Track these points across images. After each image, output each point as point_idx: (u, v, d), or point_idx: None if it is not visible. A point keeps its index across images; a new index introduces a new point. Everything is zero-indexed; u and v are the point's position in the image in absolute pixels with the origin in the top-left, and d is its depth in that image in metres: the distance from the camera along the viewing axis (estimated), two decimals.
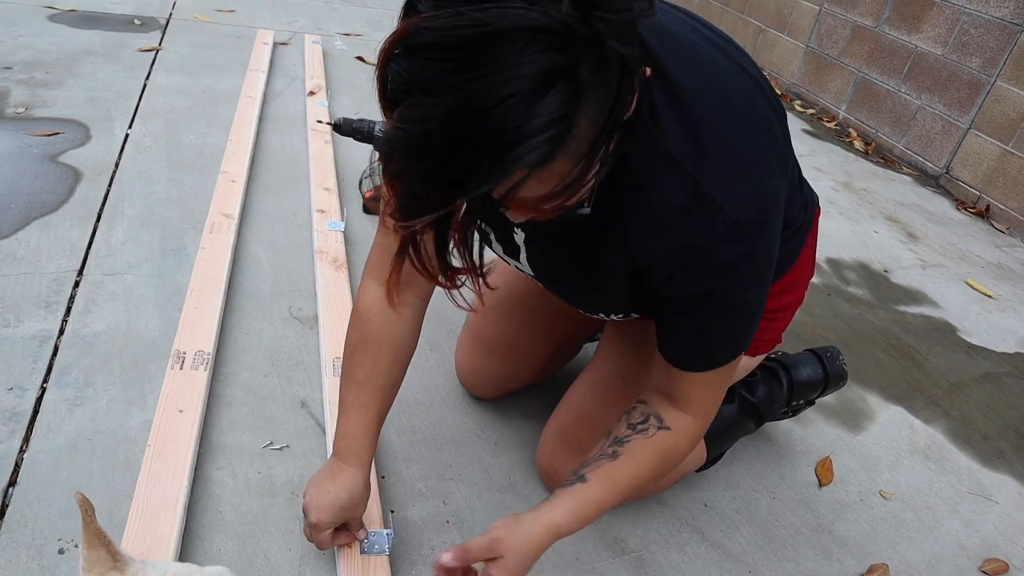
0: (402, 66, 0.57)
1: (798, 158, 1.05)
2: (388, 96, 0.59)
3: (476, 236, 0.72)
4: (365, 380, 1.04)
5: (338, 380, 1.34)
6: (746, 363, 1.17)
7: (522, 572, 0.87)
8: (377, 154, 0.67)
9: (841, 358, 1.45)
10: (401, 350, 1.07)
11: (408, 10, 0.59)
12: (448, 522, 1.22)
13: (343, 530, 1.07)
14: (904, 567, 1.34)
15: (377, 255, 1.06)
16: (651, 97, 0.77)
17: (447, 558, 0.83)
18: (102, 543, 0.60)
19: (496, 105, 0.55)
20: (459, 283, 0.75)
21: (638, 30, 0.63)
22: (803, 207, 1.09)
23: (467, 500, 1.26)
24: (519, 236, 0.99)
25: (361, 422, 1.04)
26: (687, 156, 0.78)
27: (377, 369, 1.04)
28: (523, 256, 1.02)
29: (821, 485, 1.51)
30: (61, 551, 1.02)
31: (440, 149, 0.57)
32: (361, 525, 1.08)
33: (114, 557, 0.60)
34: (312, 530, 1.03)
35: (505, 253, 1.05)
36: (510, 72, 0.54)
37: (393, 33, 0.58)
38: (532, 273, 1.05)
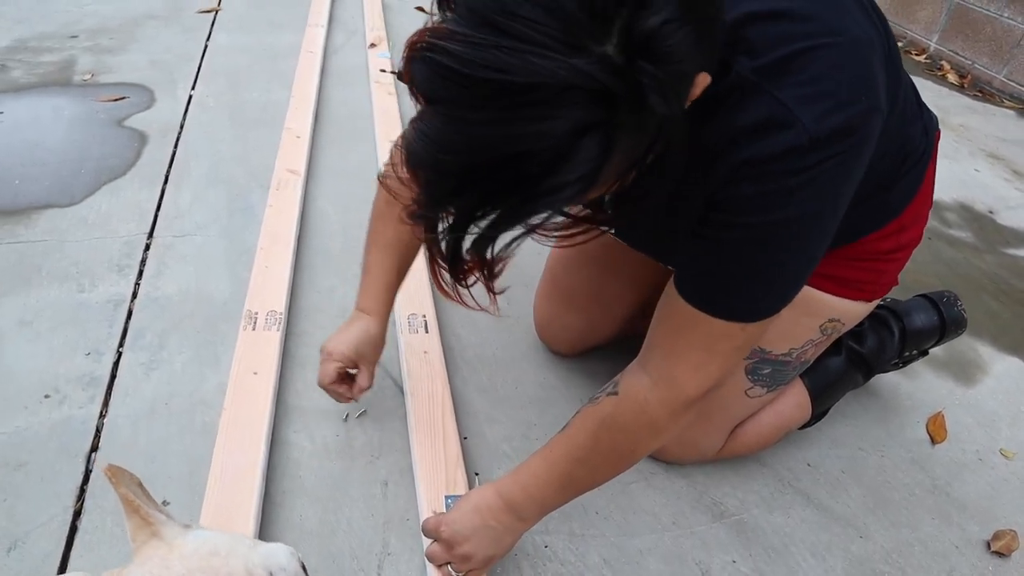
0: (423, 73, 0.52)
1: None
2: (410, 83, 0.55)
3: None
4: (387, 243, 1.07)
5: (414, 337, 1.30)
6: (859, 310, 1.05)
7: (461, 523, 0.90)
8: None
9: (960, 304, 1.32)
10: None
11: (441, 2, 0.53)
12: None
13: (348, 381, 1.08)
14: None
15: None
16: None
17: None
18: (134, 510, 0.55)
19: (521, 157, 0.51)
20: (469, 283, 0.67)
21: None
22: (923, 132, 0.96)
23: None
24: None
25: (383, 281, 1.09)
26: (767, 73, 0.66)
27: (400, 236, 1.06)
28: None
29: (934, 443, 1.39)
30: None
31: (457, 174, 0.54)
32: (370, 378, 1.09)
33: (148, 522, 0.55)
34: (323, 362, 1.05)
35: None
36: (537, 127, 0.50)
37: (422, 31, 0.52)
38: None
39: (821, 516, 1.19)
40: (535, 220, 0.58)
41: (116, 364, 1.22)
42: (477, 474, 1.14)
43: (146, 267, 1.44)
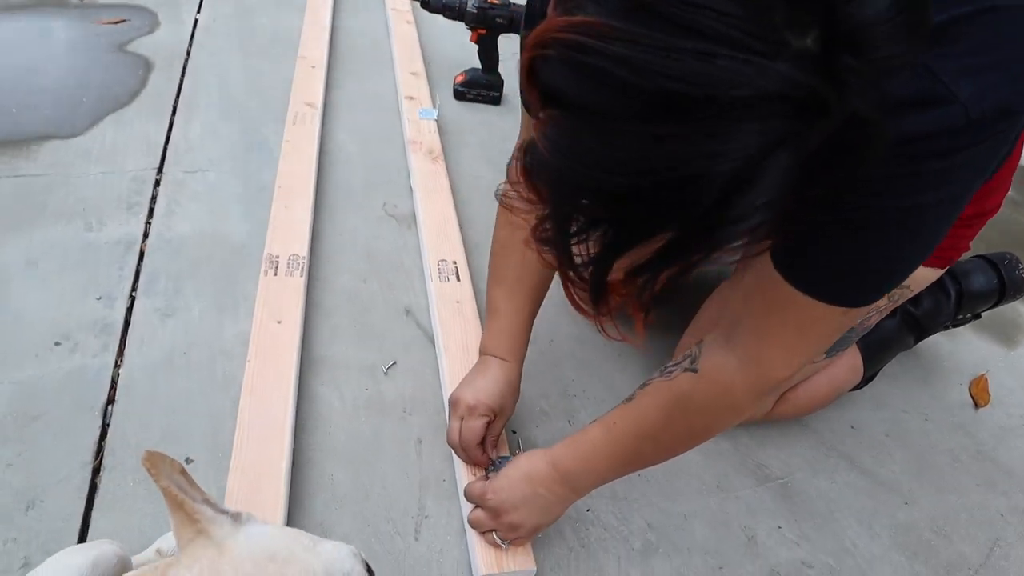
0: (565, 78, 0.42)
1: None
2: (536, 84, 0.44)
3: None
4: (515, 280, 0.97)
5: (445, 285, 1.23)
6: (930, 276, 0.98)
7: (510, 491, 0.85)
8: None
9: (1021, 267, 1.24)
10: None
11: None
12: None
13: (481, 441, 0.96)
14: None
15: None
16: None
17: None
18: (178, 506, 0.48)
19: (692, 181, 0.41)
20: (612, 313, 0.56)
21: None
22: None
23: (593, 419, 1.14)
24: None
25: (515, 321, 0.98)
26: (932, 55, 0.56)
27: (527, 269, 0.96)
28: None
29: (977, 407, 1.34)
30: None
31: (608, 199, 0.44)
32: (499, 437, 0.98)
33: (194, 519, 0.48)
34: (465, 416, 0.94)
35: None
36: (721, 144, 0.40)
37: (554, 23, 0.42)
38: None
39: (866, 481, 1.15)
40: (704, 252, 0.47)
41: (130, 310, 1.15)
42: (515, 432, 1.09)
43: (157, 205, 1.35)
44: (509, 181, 0.52)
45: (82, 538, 0.87)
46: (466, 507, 0.95)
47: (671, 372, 0.77)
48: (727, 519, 1.06)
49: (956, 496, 1.16)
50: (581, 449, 0.83)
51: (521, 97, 0.86)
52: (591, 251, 0.48)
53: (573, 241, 0.48)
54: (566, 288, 0.54)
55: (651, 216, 0.44)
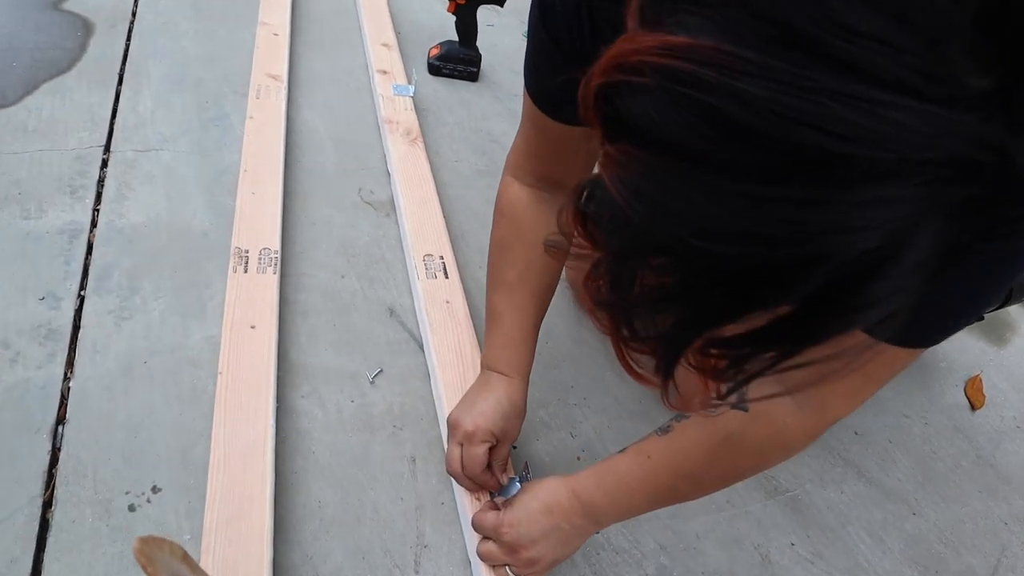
0: (656, 109, 0.31)
1: None
2: (609, 113, 0.34)
3: None
4: (517, 281, 0.86)
5: (432, 283, 1.13)
6: None
7: (529, 524, 0.77)
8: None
9: None
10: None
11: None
12: (579, 458, 1.03)
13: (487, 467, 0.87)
14: None
15: (520, 157, 0.85)
16: None
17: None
18: None
19: (819, 260, 0.31)
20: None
21: None
22: None
23: (597, 431, 1.07)
24: None
25: (517, 328, 0.88)
26: None
27: (530, 269, 0.85)
28: None
29: (974, 409, 1.32)
30: (132, 507, 0.82)
31: (709, 269, 0.34)
32: (506, 463, 0.89)
33: None
34: (465, 443, 0.84)
35: None
36: (866, 217, 0.30)
37: (651, 42, 0.31)
38: None
39: (873, 491, 1.11)
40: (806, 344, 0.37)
41: (79, 312, 1.01)
42: (515, 447, 1.00)
43: (105, 189, 1.20)
44: (559, 227, 0.42)
45: None
46: (469, 533, 0.87)
47: (714, 408, 0.69)
48: (739, 537, 1.00)
49: (960, 505, 1.14)
50: (608, 481, 0.75)
51: (529, 89, 0.76)
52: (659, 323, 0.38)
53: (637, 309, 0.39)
54: (619, 350, 0.43)
55: (749, 296, 0.34)
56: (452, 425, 0.87)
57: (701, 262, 0.33)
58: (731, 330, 0.36)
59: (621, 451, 0.76)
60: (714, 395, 0.46)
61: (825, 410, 0.64)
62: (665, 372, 0.40)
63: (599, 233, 0.37)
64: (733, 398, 0.67)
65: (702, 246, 0.32)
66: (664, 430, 0.73)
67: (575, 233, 0.39)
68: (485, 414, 0.84)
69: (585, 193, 0.37)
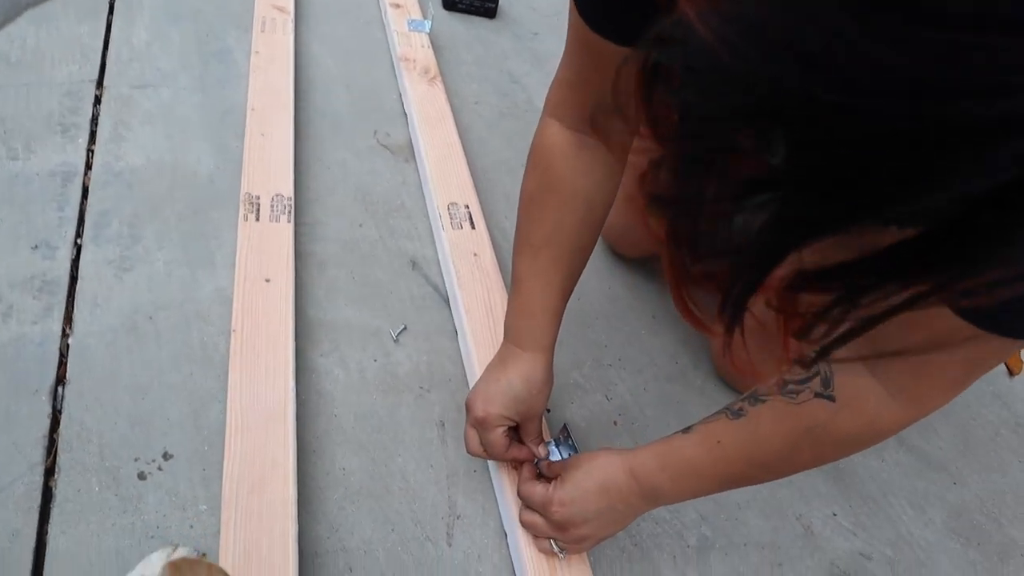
0: None
1: None
2: None
3: None
4: (544, 243, 0.76)
5: (458, 233, 1.05)
6: None
7: (583, 504, 0.72)
8: None
9: None
10: (593, 208, 0.75)
11: None
12: (616, 423, 0.97)
13: (516, 439, 0.80)
14: None
15: (563, 91, 0.74)
16: None
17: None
18: None
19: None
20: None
21: None
22: None
23: (633, 393, 1.00)
24: None
25: (539, 295, 0.77)
26: None
27: (561, 229, 0.75)
28: None
29: (1012, 375, 1.27)
30: (142, 475, 0.76)
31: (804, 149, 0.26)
32: (539, 435, 0.81)
33: None
34: (479, 429, 0.77)
35: None
36: None
37: None
38: None
39: (915, 460, 1.07)
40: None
41: (76, 263, 0.92)
42: (548, 411, 0.94)
43: (100, 128, 1.10)
44: (614, 98, 0.33)
45: (37, 562, 0.68)
46: (504, 503, 0.81)
47: (797, 395, 0.62)
48: (781, 507, 0.95)
49: (1000, 475, 1.09)
50: (671, 462, 0.68)
51: (578, 4, 0.67)
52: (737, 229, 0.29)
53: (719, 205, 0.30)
54: (674, 281, 0.34)
55: (905, 180, 0.25)
56: (467, 408, 0.79)
57: (830, 128, 0.25)
58: (832, 256, 0.28)
59: (684, 431, 0.69)
60: (795, 361, 0.37)
61: (922, 401, 0.57)
62: (733, 312, 0.32)
63: (674, 98, 0.29)
64: (816, 381, 0.61)
65: (844, 101, 0.24)
66: (736, 413, 0.66)
67: (634, 104, 0.30)
68: (495, 400, 0.76)
69: (657, 40, 0.28)
